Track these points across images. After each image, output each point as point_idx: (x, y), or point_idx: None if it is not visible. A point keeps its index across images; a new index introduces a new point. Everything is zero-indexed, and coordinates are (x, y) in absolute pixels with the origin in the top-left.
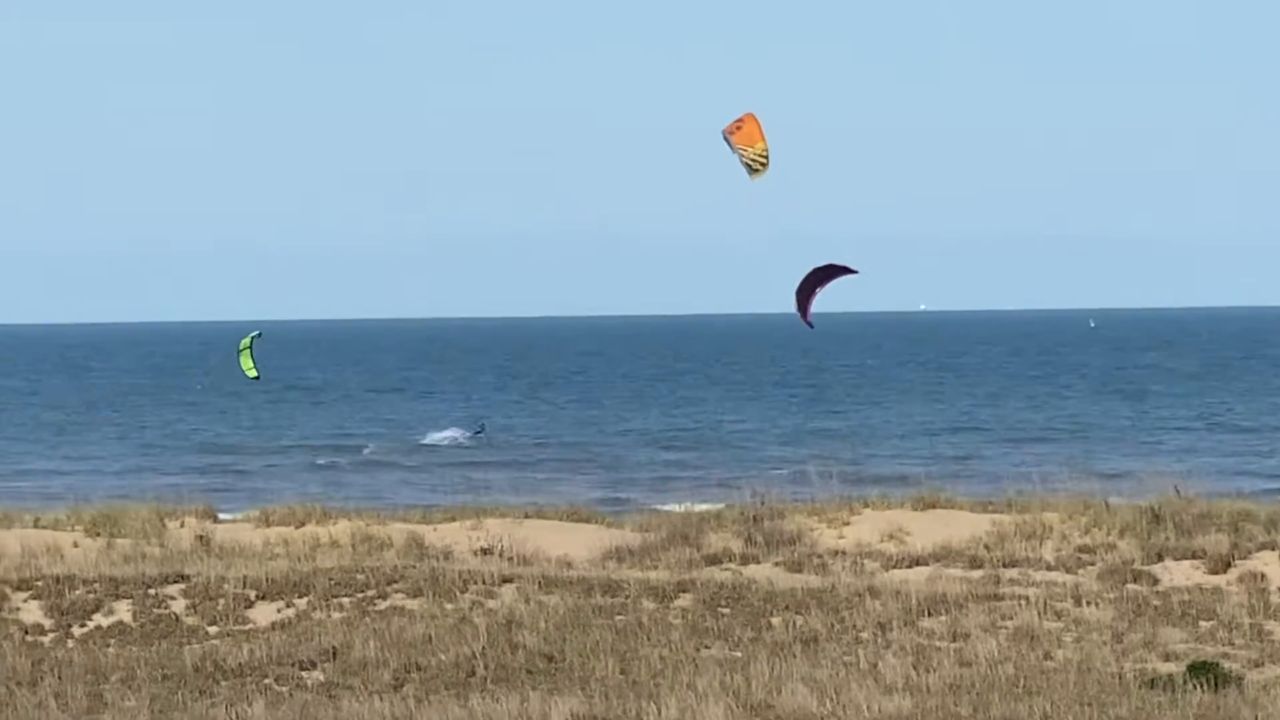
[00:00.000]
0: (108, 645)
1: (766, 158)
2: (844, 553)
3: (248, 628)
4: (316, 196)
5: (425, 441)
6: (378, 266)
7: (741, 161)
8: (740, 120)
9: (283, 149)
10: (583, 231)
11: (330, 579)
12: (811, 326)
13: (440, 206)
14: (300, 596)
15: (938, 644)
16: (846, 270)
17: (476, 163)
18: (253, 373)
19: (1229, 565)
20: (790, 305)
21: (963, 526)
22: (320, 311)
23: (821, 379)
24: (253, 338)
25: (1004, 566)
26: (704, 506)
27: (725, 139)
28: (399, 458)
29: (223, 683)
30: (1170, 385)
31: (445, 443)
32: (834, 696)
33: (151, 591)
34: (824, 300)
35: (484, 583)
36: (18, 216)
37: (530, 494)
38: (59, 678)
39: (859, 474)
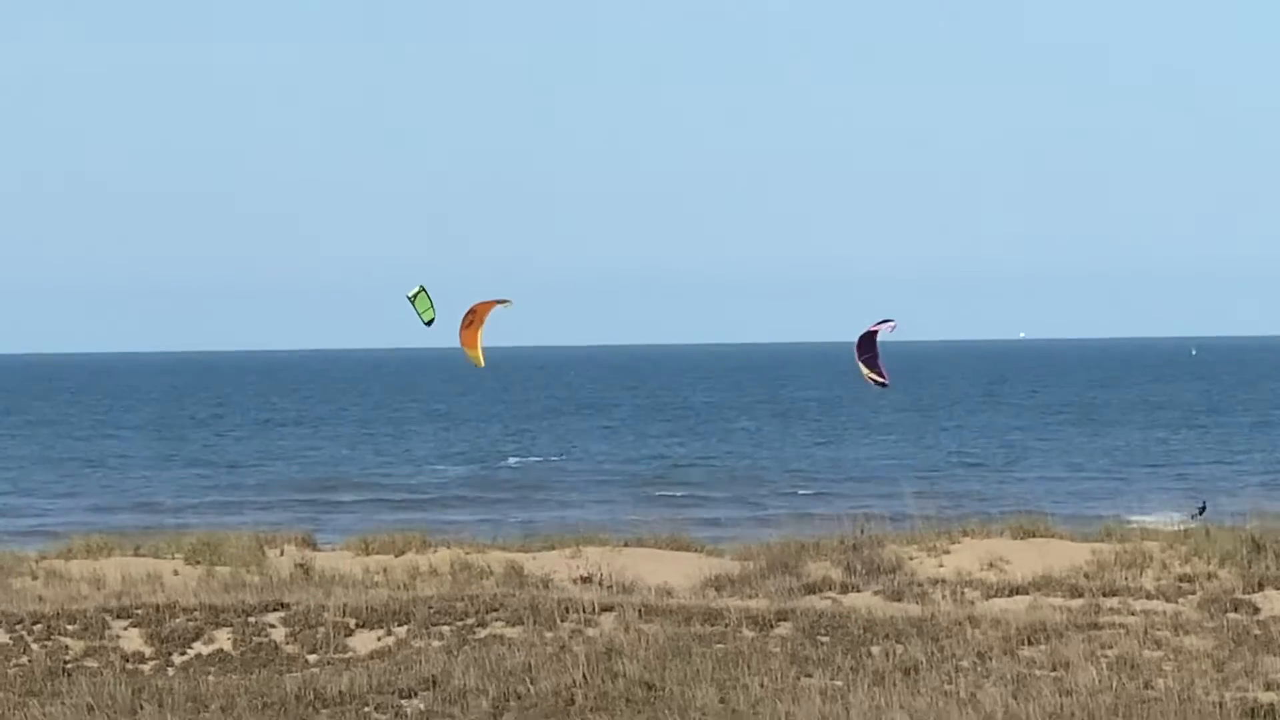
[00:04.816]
0: (208, 673)
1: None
2: (944, 581)
3: (347, 656)
4: None
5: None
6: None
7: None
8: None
9: None
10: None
11: (430, 607)
12: (886, 386)
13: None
14: (400, 625)
15: (1037, 673)
16: (883, 323)
17: None
18: (430, 314)
19: None
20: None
21: (1062, 555)
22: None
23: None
24: (421, 287)
25: (1104, 595)
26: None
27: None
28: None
29: (322, 711)
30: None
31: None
32: None
33: (251, 620)
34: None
35: (583, 611)
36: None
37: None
38: (159, 706)
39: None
